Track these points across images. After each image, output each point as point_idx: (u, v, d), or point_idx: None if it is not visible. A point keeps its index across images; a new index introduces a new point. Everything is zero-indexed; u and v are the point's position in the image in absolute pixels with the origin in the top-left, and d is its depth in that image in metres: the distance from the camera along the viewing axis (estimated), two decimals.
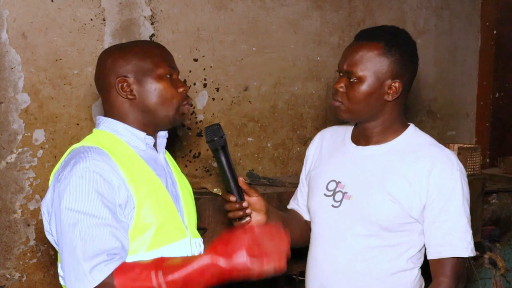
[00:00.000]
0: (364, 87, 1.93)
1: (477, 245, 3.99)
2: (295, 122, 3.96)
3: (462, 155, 3.90)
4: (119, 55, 1.77)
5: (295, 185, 3.53)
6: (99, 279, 1.53)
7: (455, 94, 4.65)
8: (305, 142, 3.95)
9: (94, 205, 1.59)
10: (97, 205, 1.59)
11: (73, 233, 1.57)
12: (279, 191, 3.33)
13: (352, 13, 4.10)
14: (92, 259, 1.55)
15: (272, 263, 1.45)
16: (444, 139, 4.53)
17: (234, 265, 1.45)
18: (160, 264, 1.52)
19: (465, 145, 4.03)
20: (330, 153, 2.12)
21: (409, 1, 4.34)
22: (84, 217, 1.58)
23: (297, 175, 4.05)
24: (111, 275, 1.53)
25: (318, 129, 4.00)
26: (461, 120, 4.70)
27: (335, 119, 4.07)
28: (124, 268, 1.54)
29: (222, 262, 1.45)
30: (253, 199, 1.96)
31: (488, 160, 4.71)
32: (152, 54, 1.77)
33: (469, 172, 3.90)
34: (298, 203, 2.25)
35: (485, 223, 4.01)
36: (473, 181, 3.79)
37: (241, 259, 1.44)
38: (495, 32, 4.64)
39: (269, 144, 3.88)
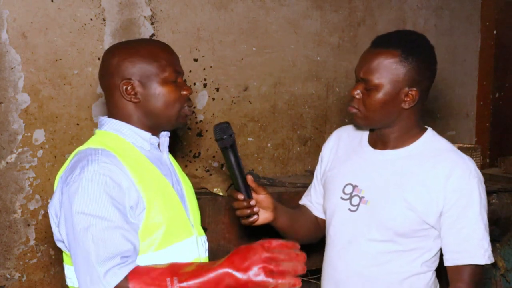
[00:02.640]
0: (381, 95, 1.91)
1: None
2: (295, 122, 3.96)
3: None
4: (124, 56, 1.75)
5: (295, 185, 3.54)
6: (113, 283, 1.53)
7: (455, 94, 4.65)
8: (305, 142, 3.95)
9: (105, 207, 1.58)
10: (108, 208, 1.59)
11: (86, 237, 1.57)
12: (279, 191, 3.33)
13: (352, 13, 4.10)
14: (106, 263, 1.55)
15: (287, 282, 1.46)
16: None
17: (250, 279, 1.46)
18: (176, 271, 1.51)
19: (465, 145, 4.03)
20: (347, 154, 2.11)
21: (409, 1, 4.34)
22: (96, 220, 1.57)
23: (297, 175, 4.05)
24: (126, 279, 1.53)
25: (318, 129, 4.01)
26: (461, 120, 4.70)
27: (335, 119, 4.07)
28: (138, 272, 1.54)
29: (238, 275, 1.46)
30: (261, 197, 1.96)
31: (488, 160, 4.70)
32: (159, 57, 1.75)
33: None
34: (311, 200, 2.24)
35: None
36: None
37: (257, 274, 1.45)
38: (495, 32, 4.64)
39: (269, 144, 3.88)
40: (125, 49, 1.77)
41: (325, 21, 4.01)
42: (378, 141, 2.04)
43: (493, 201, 4.14)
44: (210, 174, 3.62)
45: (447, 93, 4.60)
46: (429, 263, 1.98)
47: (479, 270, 1.92)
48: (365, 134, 2.10)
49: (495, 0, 4.61)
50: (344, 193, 2.04)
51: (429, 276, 1.99)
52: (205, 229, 3.03)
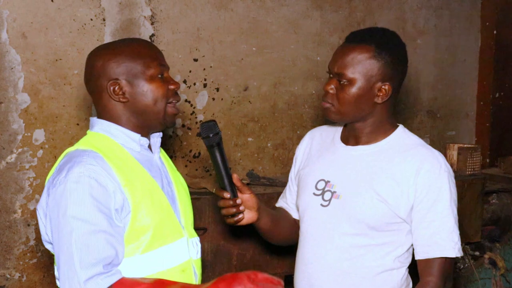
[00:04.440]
0: (354, 90, 1.94)
1: (477, 245, 4.00)
2: (295, 122, 3.96)
3: (462, 155, 3.90)
4: (109, 57, 1.74)
5: None
6: None
7: (455, 94, 4.65)
8: None
9: (90, 210, 1.59)
10: (92, 211, 1.59)
11: (70, 241, 1.57)
12: (279, 191, 3.31)
13: (352, 13, 4.10)
14: (89, 269, 1.55)
15: None
16: (444, 139, 4.53)
17: None
18: None
19: (465, 145, 4.03)
20: (320, 152, 2.13)
21: (409, 1, 4.34)
22: (80, 223, 1.57)
23: None
24: None
25: None
26: (461, 120, 4.70)
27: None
28: (123, 285, 1.54)
29: None
30: (246, 196, 1.98)
31: (488, 160, 4.71)
32: (142, 54, 1.75)
33: (469, 172, 3.90)
34: (287, 201, 2.26)
35: (485, 223, 4.01)
36: (473, 181, 3.80)
37: None
38: (495, 32, 4.64)
39: (269, 144, 3.88)
40: (109, 50, 1.77)
41: (325, 21, 4.01)
42: (350, 137, 2.06)
43: (493, 201, 4.14)
44: (210, 174, 3.62)
45: (447, 93, 4.60)
46: (402, 258, 2.00)
47: (449, 263, 1.95)
48: (338, 132, 2.12)
49: (495, 0, 4.61)
50: (316, 189, 2.06)
51: (402, 273, 2.01)
52: (205, 229, 3.04)
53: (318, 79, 4.00)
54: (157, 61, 1.76)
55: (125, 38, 1.90)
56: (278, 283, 1.50)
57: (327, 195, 2.02)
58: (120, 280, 1.55)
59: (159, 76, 1.76)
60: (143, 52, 1.76)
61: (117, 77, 1.73)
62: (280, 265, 3.29)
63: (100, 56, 1.76)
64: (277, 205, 2.30)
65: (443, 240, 1.93)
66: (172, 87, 1.77)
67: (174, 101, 1.79)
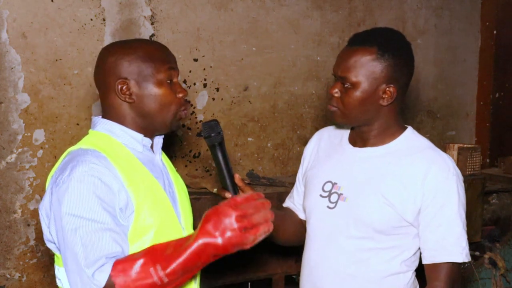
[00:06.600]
0: (359, 93, 1.92)
1: (477, 245, 4.00)
2: (295, 122, 3.96)
3: (462, 155, 3.90)
4: (121, 55, 1.73)
5: None
6: (103, 280, 1.53)
7: (455, 94, 4.65)
8: (305, 142, 3.94)
9: (94, 209, 1.58)
10: (97, 210, 1.58)
11: (75, 239, 1.57)
12: (279, 191, 3.33)
13: (352, 13, 4.10)
14: (93, 265, 1.55)
15: (262, 231, 1.50)
16: (444, 139, 4.53)
17: (228, 241, 1.47)
18: (157, 258, 1.52)
19: (465, 145, 4.03)
20: (327, 153, 2.12)
21: (409, 1, 4.34)
22: (84, 222, 1.57)
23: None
24: (110, 277, 1.53)
25: (318, 129, 3.99)
26: (461, 120, 4.70)
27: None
28: (120, 268, 1.53)
29: (216, 241, 1.48)
30: None
31: (488, 160, 4.71)
32: (155, 57, 1.74)
33: (469, 172, 3.90)
34: (294, 202, 2.25)
35: (485, 223, 4.01)
36: (473, 181, 3.80)
37: (234, 235, 1.47)
38: (495, 32, 4.64)
39: (269, 144, 3.88)
40: (122, 48, 1.76)
41: (325, 21, 4.01)
42: (358, 139, 2.04)
43: (493, 201, 4.14)
44: (210, 174, 3.62)
45: (447, 93, 4.60)
46: (409, 262, 1.98)
47: (456, 268, 1.92)
48: (346, 133, 2.10)
49: (495, 0, 4.61)
50: (323, 190, 2.04)
51: (409, 276, 1.98)
52: None
53: (318, 79, 4.00)
54: (168, 64, 1.75)
55: (141, 39, 1.90)
56: (257, 196, 1.52)
57: (334, 197, 2.00)
58: (115, 264, 1.55)
59: (168, 81, 1.75)
60: (156, 55, 1.75)
61: (126, 77, 1.72)
62: (280, 265, 3.29)
63: (113, 53, 1.75)
64: (284, 205, 2.29)
65: (451, 245, 1.90)
66: (180, 95, 1.77)
67: (184, 109, 1.79)
